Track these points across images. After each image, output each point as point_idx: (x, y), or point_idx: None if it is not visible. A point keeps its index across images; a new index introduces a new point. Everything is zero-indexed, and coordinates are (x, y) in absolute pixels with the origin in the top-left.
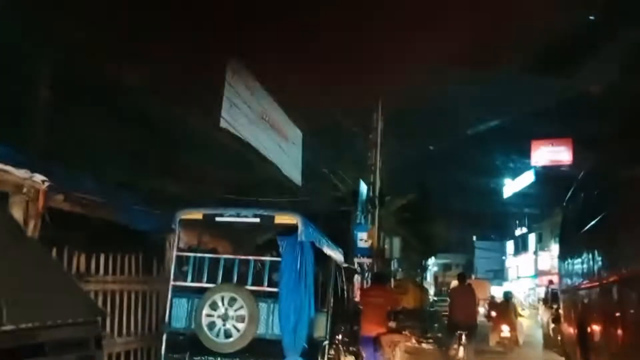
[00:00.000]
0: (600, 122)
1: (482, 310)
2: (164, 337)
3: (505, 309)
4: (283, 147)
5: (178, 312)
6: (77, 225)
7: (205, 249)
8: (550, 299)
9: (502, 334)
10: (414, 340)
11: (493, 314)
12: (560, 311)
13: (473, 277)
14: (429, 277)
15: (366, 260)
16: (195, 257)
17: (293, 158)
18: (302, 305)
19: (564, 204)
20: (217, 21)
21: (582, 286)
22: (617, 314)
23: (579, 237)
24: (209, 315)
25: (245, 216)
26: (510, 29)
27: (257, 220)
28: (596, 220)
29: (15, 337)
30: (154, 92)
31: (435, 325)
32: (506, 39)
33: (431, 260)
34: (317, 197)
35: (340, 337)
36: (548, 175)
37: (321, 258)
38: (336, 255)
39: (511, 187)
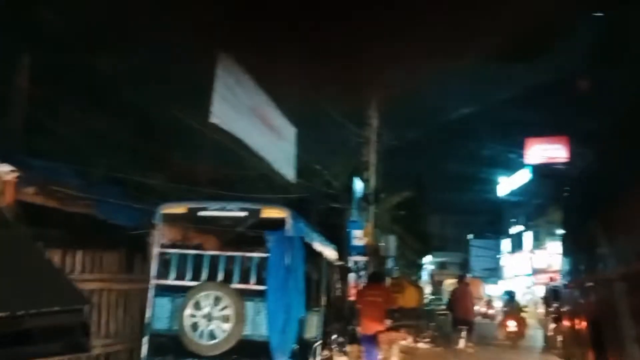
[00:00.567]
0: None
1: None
2: (146, 338)
3: (511, 306)
4: (275, 143)
5: (160, 312)
6: (53, 220)
7: (190, 245)
8: (552, 297)
9: (509, 329)
10: (410, 339)
11: (491, 312)
12: (563, 309)
13: (468, 275)
14: (426, 275)
15: (361, 259)
16: (178, 254)
17: (286, 154)
18: (291, 304)
19: (568, 188)
20: (205, 9)
21: (600, 278)
22: None
23: (595, 220)
24: (192, 316)
25: (231, 210)
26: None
27: (244, 214)
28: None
29: (1, 324)
30: (140, 82)
31: (432, 324)
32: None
33: (427, 259)
34: (310, 193)
35: (334, 337)
36: (544, 172)
37: (312, 254)
38: (329, 252)
39: (507, 184)
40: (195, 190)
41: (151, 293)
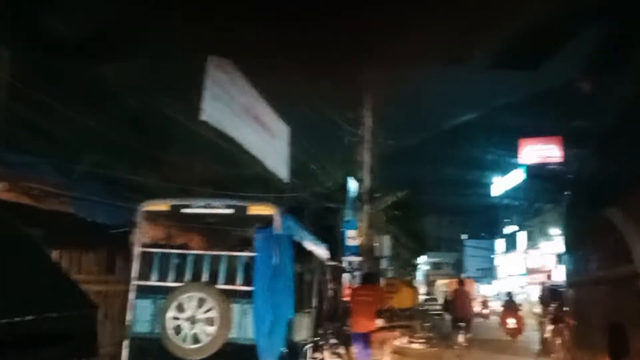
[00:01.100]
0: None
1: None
2: (126, 342)
3: (510, 305)
4: (268, 141)
5: (142, 315)
6: (27, 218)
7: (173, 244)
8: (549, 297)
9: (509, 326)
10: (404, 340)
11: (485, 311)
12: (565, 310)
13: (462, 275)
14: (420, 275)
15: (355, 259)
16: (161, 254)
17: (279, 153)
18: (279, 305)
19: (575, 173)
20: (197, 7)
21: (622, 275)
22: None
23: (615, 207)
24: (175, 318)
25: (216, 207)
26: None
27: (230, 211)
28: None
29: (4, 329)
30: (130, 78)
31: (427, 324)
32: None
33: (422, 259)
34: (304, 193)
35: (327, 338)
36: (538, 172)
37: (302, 254)
38: (321, 251)
39: (501, 185)
40: (186, 190)
41: (132, 294)
